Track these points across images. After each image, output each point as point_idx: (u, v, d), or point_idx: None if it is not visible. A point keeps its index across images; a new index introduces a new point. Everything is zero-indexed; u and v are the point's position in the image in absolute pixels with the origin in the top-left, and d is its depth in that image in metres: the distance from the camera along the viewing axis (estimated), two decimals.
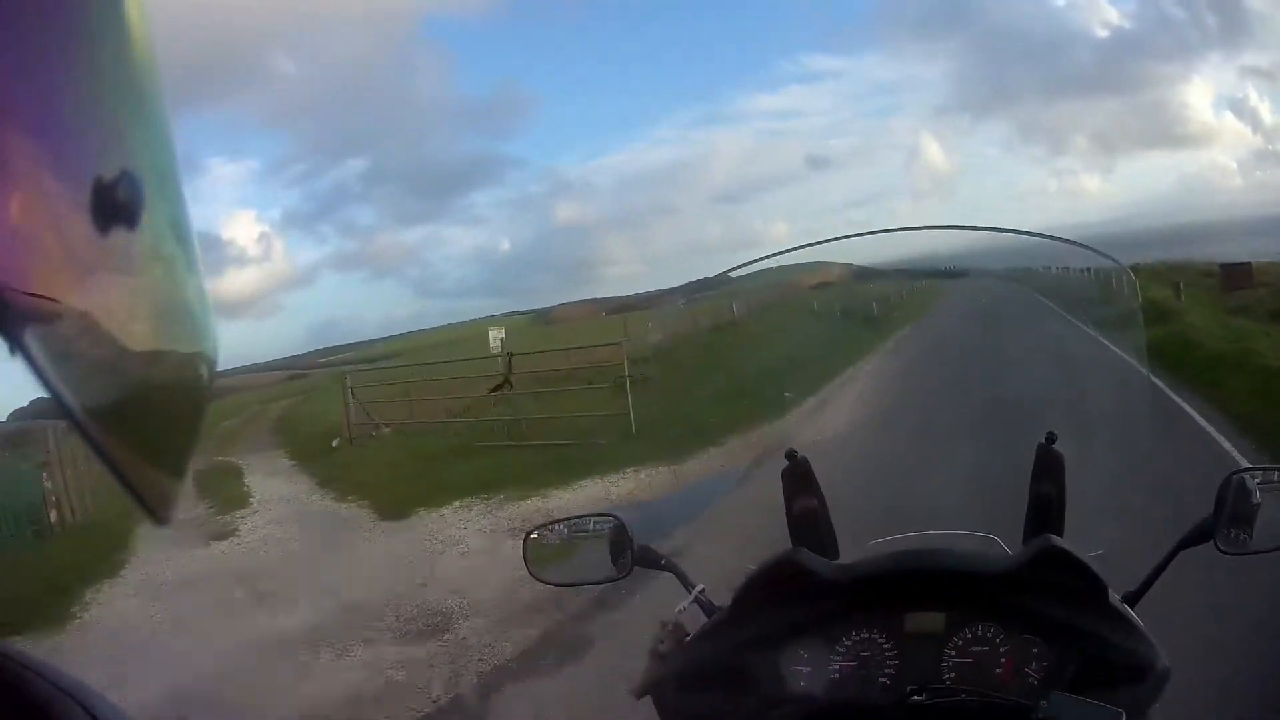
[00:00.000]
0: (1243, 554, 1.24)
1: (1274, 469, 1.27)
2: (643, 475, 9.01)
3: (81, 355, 0.32)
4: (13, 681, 0.52)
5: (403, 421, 13.97)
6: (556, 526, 1.49)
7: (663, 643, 1.28)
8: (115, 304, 0.34)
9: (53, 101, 0.31)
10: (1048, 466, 1.40)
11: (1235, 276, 17.24)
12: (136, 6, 0.36)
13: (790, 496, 1.47)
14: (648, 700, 1.26)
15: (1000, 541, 1.43)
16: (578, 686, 4.39)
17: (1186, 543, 1.28)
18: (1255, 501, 1.23)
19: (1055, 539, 1.25)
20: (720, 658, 1.26)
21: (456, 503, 8.97)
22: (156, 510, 0.36)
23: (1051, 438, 1.41)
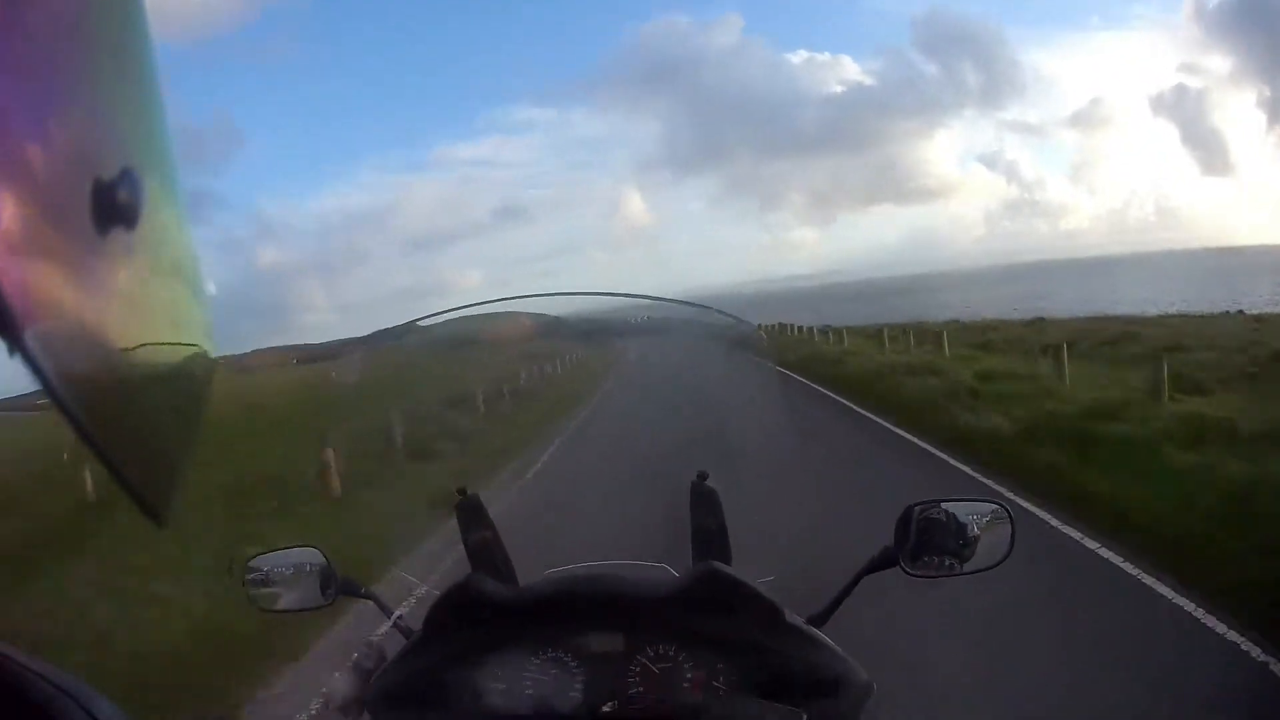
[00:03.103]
0: (926, 577, 1.36)
1: (941, 500, 1.40)
2: None
3: (81, 355, 0.32)
4: (13, 681, 0.53)
5: None
6: (268, 556, 1.52)
7: (366, 663, 1.33)
8: (115, 304, 0.35)
9: (53, 101, 0.31)
10: (703, 502, 1.50)
11: None
12: (136, 6, 0.37)
13: (466, 529, 1.53)
14: None
15: (670, 569, 1.49)
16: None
17: (870, 568, 1.37)
18: (937, 531, 1.37)
19: (717, 564, 1.31)
20: (420, 676, 1.32)
21: None
22: (155, 510, 0.37)
23: (703, 475, 1.51)
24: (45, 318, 0.30)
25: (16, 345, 0.29)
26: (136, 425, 0.37)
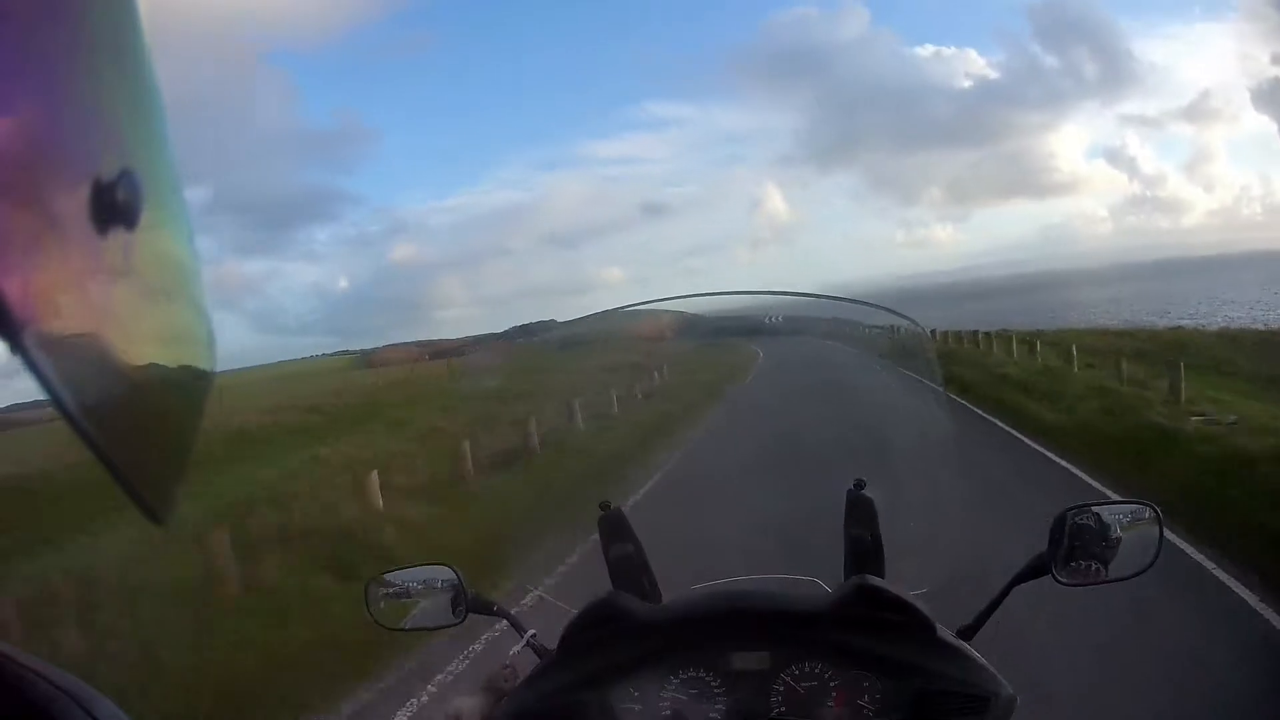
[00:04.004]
0: (1081, 585, 1.29)
1: (1096, 504, 1.32)
2: None
3: (80, 355, 0.32)
4: (13, 681, 0.53)
5: None
6: (396, 574, 1.49)
7: (501, 683, 1.31)
8: (114, 304, 0.35)
9: (53, 101, 0.31)
10: (859, 511, 1.42)
11: None
12: (135, 7, 0.37)
13: (607, 545, 1.49)
14: None
15: (821, 583, 1.44)
16: None
17: (1022, 578, 1.31)
18: (1086, 537, 1.29)
19: (871, 577, 1.28)
20: (553, 698, 1.27)
21: None
22: (155, 512, 0.36)
23: (860, 484, 1.42)
24: (44, 318, 0.30)
25: (16, 345, 0.28)
26: (136, 425, 0.37)
